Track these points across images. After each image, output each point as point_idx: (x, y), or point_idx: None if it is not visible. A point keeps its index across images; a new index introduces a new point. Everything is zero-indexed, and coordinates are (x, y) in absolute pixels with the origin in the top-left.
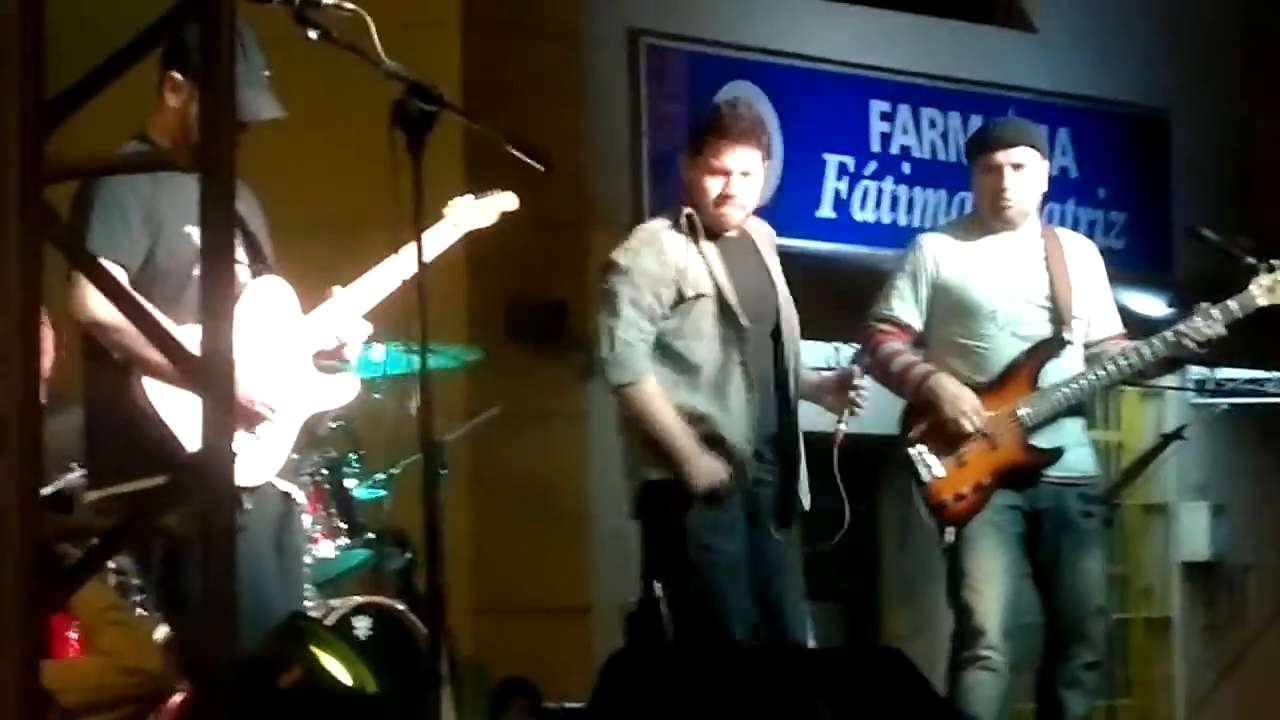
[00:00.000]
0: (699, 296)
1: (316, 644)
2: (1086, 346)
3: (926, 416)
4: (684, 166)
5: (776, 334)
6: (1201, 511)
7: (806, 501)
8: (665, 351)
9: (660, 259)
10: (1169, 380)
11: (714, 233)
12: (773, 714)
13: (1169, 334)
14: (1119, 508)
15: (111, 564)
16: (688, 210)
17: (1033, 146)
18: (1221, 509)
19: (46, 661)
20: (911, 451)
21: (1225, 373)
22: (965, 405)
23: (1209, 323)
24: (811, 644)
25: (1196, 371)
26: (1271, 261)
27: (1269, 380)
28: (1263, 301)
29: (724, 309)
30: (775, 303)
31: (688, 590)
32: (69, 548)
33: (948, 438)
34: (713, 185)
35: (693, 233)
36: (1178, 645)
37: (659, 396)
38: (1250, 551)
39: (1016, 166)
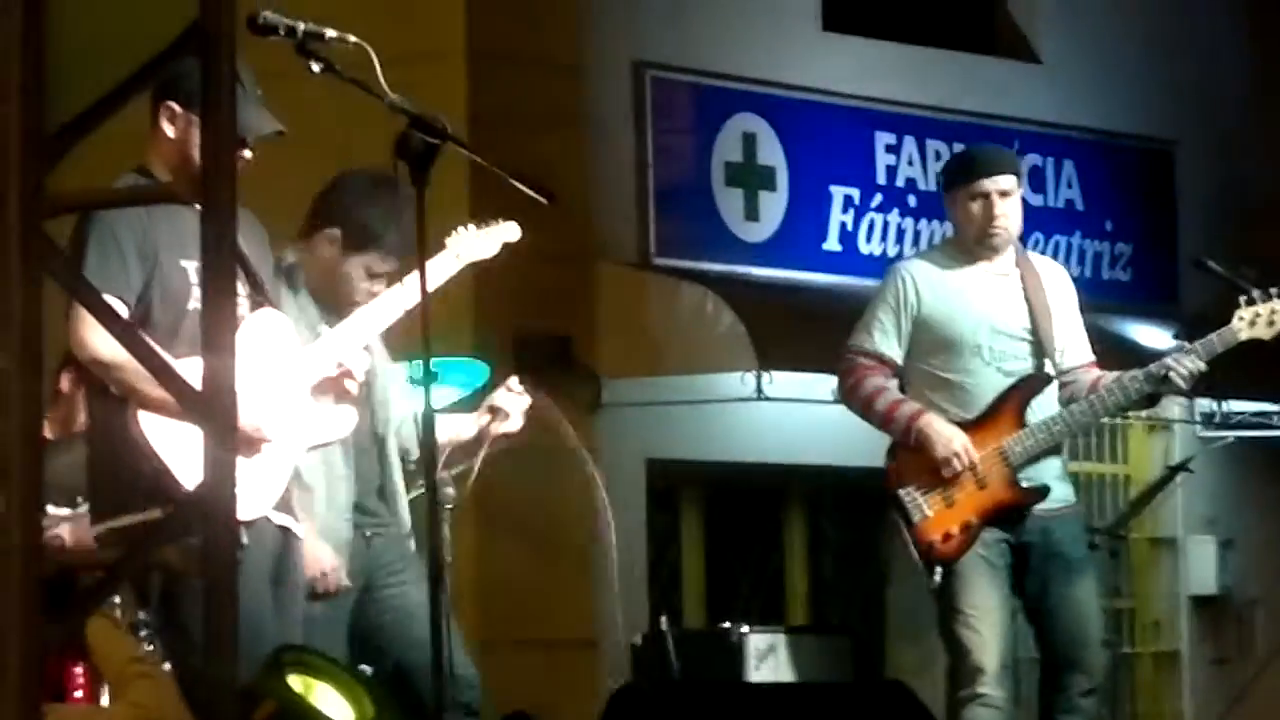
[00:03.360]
0: None
1: (311, 675)
2: (1059, 374)
3: (914, 454)
4: None
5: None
6: (1209, 545)
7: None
8: None
9: None
10: (1176, 413)
11: None
12: None
13: (1152, 368)
14: (1125, 540)
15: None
16: None
17: (1016, 174)
18: (1229, 542)
19: (67, 709)
20: (901, 492)
21: (1233, 405)
22: (957, 446)
23: (1190, 357)
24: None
25: (1204, 404)
26: (1253, 294)
27: (1276, 413)
28: (1244, 335)
29: None
30: None
31: None
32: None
33: (936, 477)
34: None
35: None
36: (1186, 679)
37: None
38: (1258, 585)
39: (1004, 194)
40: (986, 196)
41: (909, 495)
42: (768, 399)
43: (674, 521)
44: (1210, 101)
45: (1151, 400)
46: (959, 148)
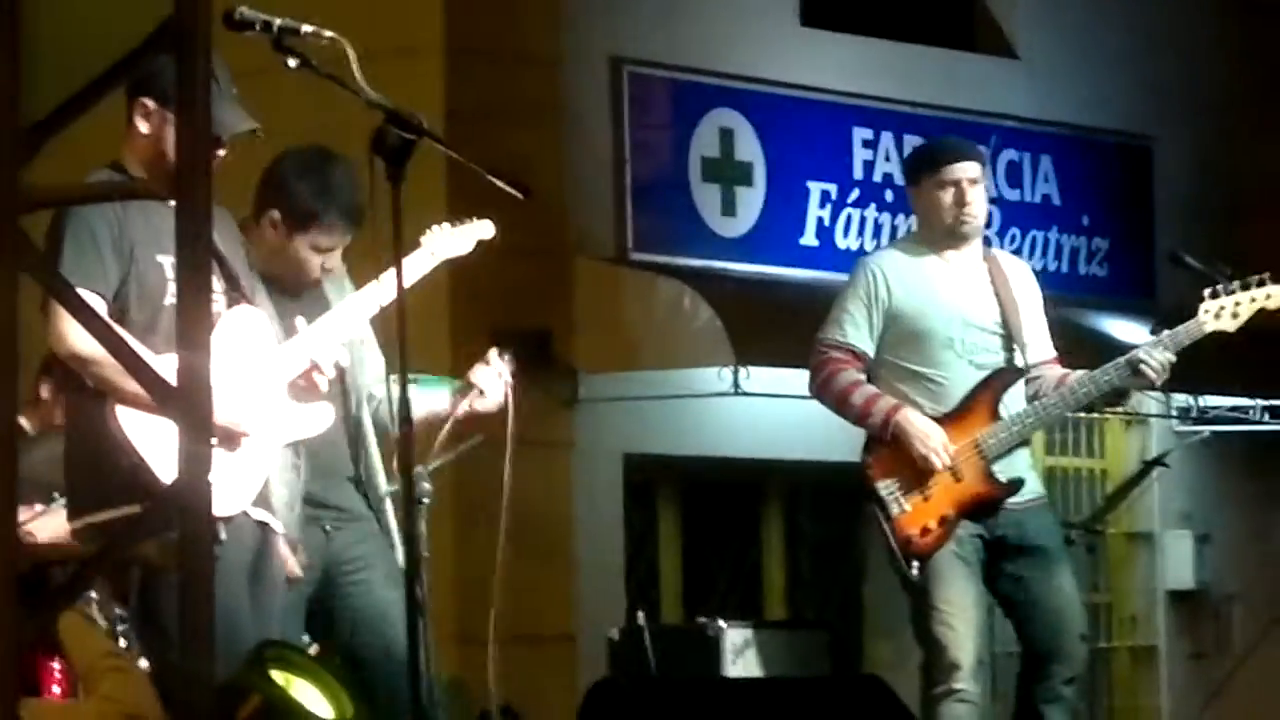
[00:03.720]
0: None
1: (291, 671)
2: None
3: (890, 449)
4: None
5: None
6: (1186, 540)
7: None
8: None
9: None
10: (1153, 407)
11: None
12: None
13: (1122, 361)
14: (1102, 535)
15: (99, 605)
16: None
17: (982, 162)
18: (1206, 537)
19: (40, 703)
20: (879, 486)
21: (1209, 400)
22: (934, 442)
23: (1159, 349)
24: None
25: (1180, 399)
26: (1216, 288)
27: (1252, 407)
28: (1210, 328)
29: None
30: None
31: None
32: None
33: (913, 471)
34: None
35: None
36: (1163, 674)
37: None
38: (1235, 580)
39: (972, 181)
40: (957, 184)
41: (887, 489)
42: (745, 394)
43: (651, 516)
44: (1188, 97)
45: (1121, 394)
46: None
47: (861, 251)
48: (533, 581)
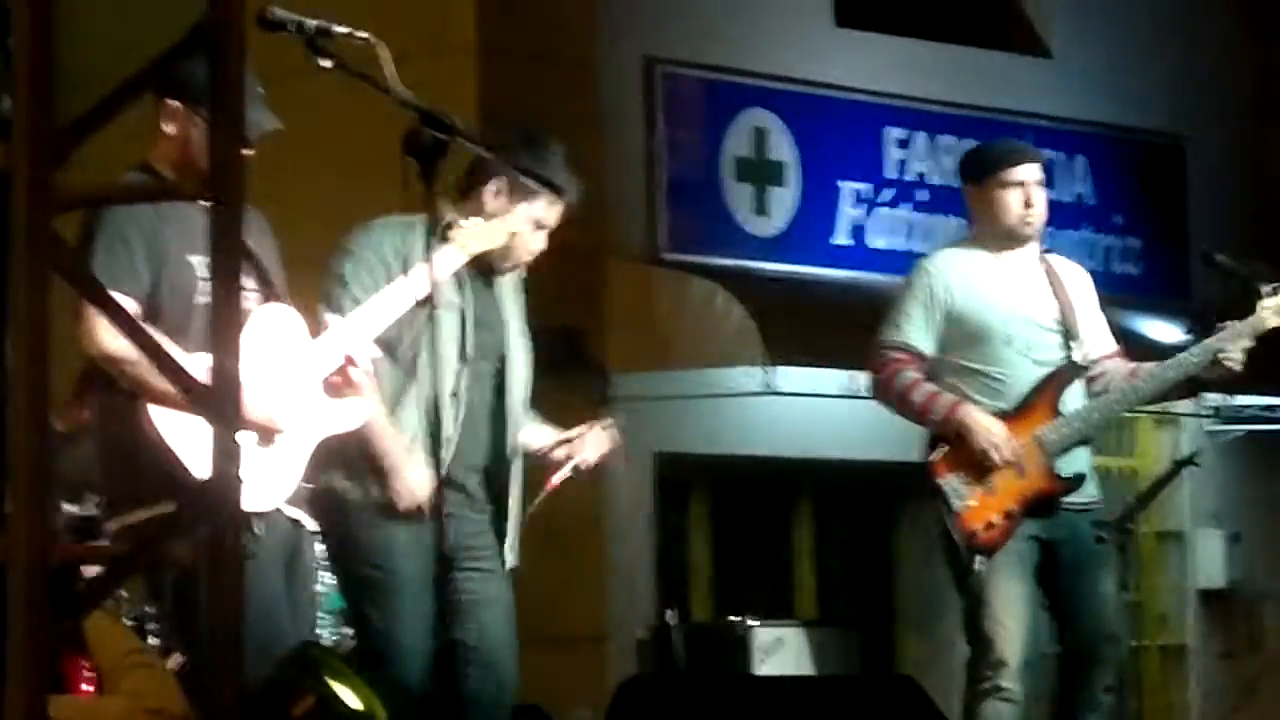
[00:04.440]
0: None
1: (329, 673)
2: (1088, 364)
3: (954, 445)
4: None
5: (501, 371)
6: (1217, 538)
7: (510, 558)
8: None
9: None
10: (1184, 407)
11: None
12: None
13: (1195, 351)
14: (1133, 534)
15: (131, 602)
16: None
17: (1044, 165)
18: (1237, 536)
19: (68, 700)
20: (942, 480)
21: (1241, 399)
22: (996, 436)
23: (1236, 338)
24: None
25: (1212, 398)
26: (1275, 284)
27: None
28: (1272, 323)
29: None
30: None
31: (359, 609)
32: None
33: (976, 467)
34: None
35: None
36: (1193, 673)
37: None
38: (1266, 578)
39: (1038, 183)
40: (1022, 185)
41: (950, 484)
42: (777, 393)
43: (682, 515)
44: (1221, 96)
45: (1189, 388)
46: (970, 143)
47: (894, 251)
48: (563, 580)
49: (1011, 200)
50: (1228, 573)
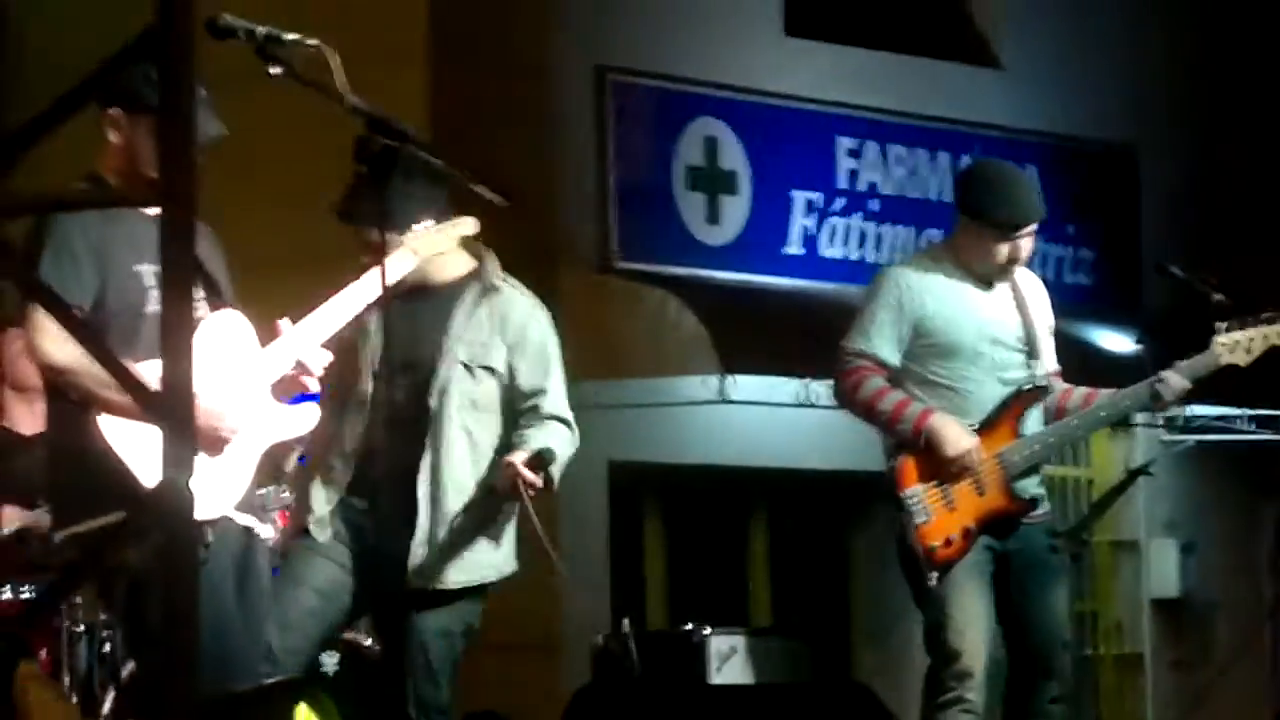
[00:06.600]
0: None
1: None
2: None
3: (917, 456)
4: None
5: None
6: (1171, 548)
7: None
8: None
9: None
10: (1139, 417)
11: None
12: None
13: (1142, 388)
14: (1087, 544)
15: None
16: None
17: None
18: (1191, 546)
19: None
20: (905, 494)
21: (1195, 410)
22: (968, 445)
23: (1177, 377)
24: None
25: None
26: (1225, 323)
27: (1238, 417)
28: (1225, 360)
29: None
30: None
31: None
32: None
33: (940, 477)
34: None
35: None
36: (1148, 682)
37: None
38: (1219, 588)
39: (1031, 235)
40: (1018, 243)
41: (913, 497)
42: (730, 402)
43: (636, 523)
44: (1172, 106)
45: (1128, 416)
46: (920, 152)
47: (846, 260)
48: (518, 588)
49: (1003, 249)
50: (1181, 582)
